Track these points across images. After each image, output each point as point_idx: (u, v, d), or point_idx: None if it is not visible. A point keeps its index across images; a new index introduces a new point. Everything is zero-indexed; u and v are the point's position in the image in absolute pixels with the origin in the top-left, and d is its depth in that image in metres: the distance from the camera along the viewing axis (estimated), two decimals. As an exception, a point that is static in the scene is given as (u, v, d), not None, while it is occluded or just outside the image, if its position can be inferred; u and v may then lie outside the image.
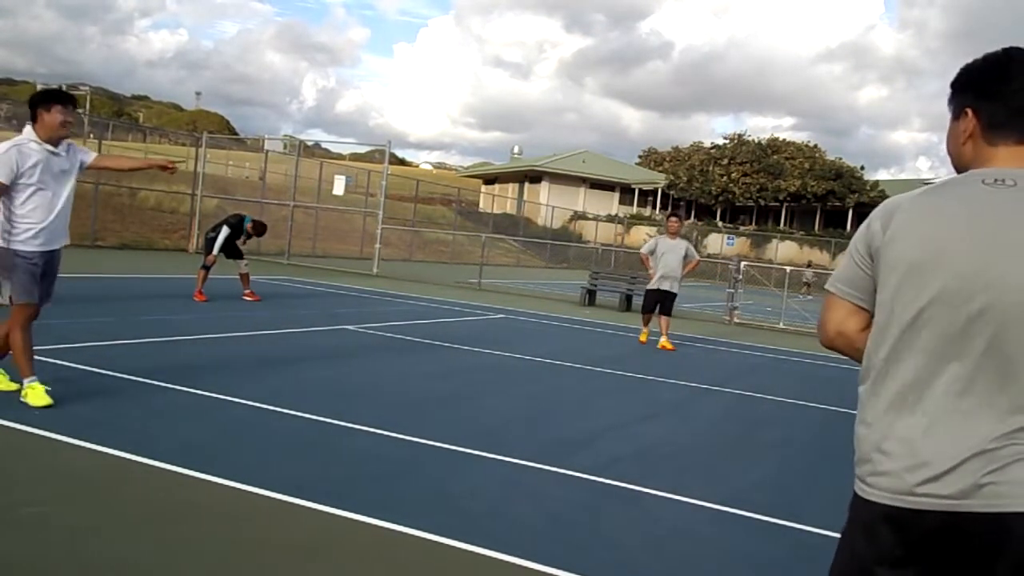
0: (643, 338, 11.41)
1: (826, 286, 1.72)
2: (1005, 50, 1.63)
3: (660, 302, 11.10)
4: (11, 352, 4.87)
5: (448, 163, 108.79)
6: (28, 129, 4.73)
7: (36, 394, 4.75)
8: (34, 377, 4.82)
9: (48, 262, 4.90)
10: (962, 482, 1.44)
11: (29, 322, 4.84)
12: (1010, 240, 1.46)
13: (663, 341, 11.06)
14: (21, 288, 4.76)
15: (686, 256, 11.11)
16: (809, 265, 34.74)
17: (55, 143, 4.78)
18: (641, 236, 43.01)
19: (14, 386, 4.92)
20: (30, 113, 4.76)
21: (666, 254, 10.98)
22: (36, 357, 6.07)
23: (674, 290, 11.11)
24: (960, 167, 1.66)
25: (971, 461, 1.44)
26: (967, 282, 1.46)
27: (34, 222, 4.74)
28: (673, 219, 11.56)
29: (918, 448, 1.48)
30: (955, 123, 1.67)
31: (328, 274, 18.30)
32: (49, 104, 4.70)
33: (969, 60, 1.70)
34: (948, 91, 1.71)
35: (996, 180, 1.52)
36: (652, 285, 11.15)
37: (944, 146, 1.75)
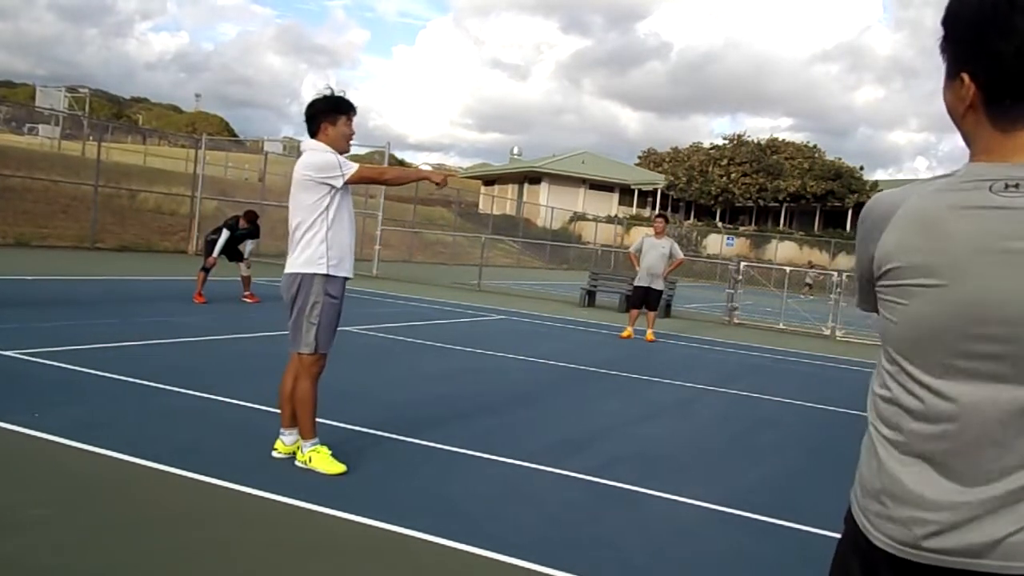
0: (626, 334, 11.88)
1: (857, 307, 1.54)
2: None
3: (645, 298, 11.81)
4: (296, 407, 4.23)
5: (447, 164, 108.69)
6: (316, 143, 4.19)
7: (324, 459, 4.14)
8: (317, 440, 4.21)
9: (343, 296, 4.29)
10: (978, 538, 1.25)
11: (319, 376, 4.27)
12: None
13: (648, 334, 11.82)
14: (327, 333, 4.18)
15: (670, 255, 11.84)
16: (810, 265, 34.75)
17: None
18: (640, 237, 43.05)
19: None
20: (310, 126, 4.22)
21: (648, 252, 11.76)
22: (43, 361, 6.10)
23: (656, 287, 11.80)
24: (962, 135, 1.33)
25: (989, 516, 1.24)
26: (973, 319, 1.23)
27: (345, 244, 4.19)
28: (659, 220, 12.36)
29: (928, 498, 1.29)
30: (948, 83, 1.29)
31: (328, 275, 18.24)
32: (335, 116, 4.18)
33: None
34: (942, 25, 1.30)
35: (1008, 185, 1.21)
36: (637, 281, 11.96)
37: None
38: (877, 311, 1.42)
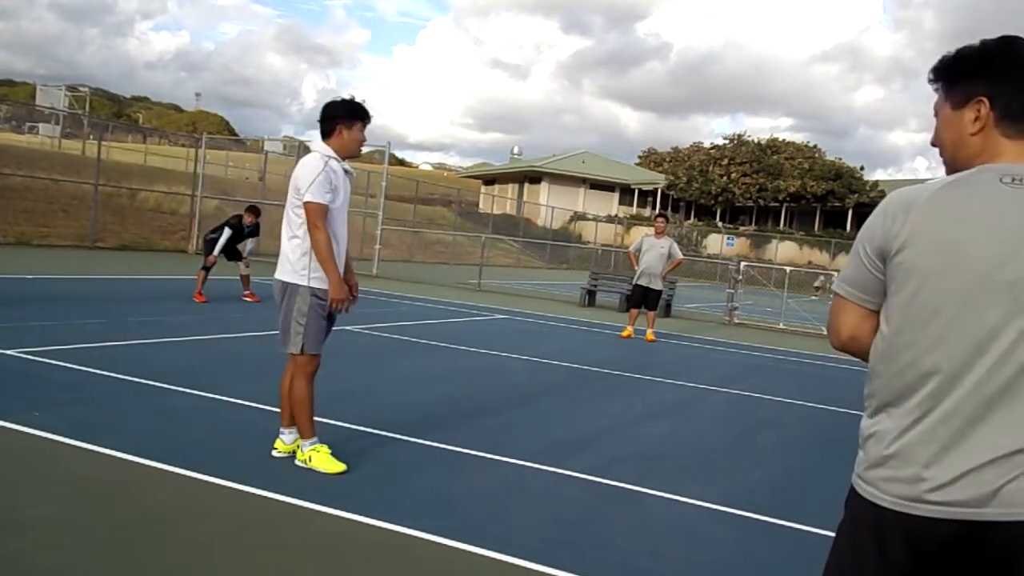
0: (626, 333, 11.85)
1: (833, 287, 1.64)
2: (1014, 37, 1.56)
3: (644, 298, 11.79)
4: (292, 407, 4.26)
5: (448, 164, 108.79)
6: (323, 144, 4.23)
7: (324, 458, 4.15)
8: (316, 439, 4.23)
9: None
10: (977, 489, 1.41)
11: (314, 375, 4.29)
12: None
13: (648, 334, 11.77)
14: (315, 335, 4.20)
15: (669, 255, 11.77)
16: (809, 265, 34.74)
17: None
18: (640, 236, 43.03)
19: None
20: (324, 126, 4.23)
21: (648, 252, 11.71)
22: (44, 360, 6.09)
23: (654, 286, 11.73)
24: (959, 160, 1.58)
25: (987, 468, 1.41)
26: (989, 287, 1.42)
27: (335, 253, 4.17)
28: (659, 220, 12.29)
29: (933, 455, 1.44)
30: (957, 113, 1.58)
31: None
32: (352, 121, 4.21)
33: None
34: (936, 76, 1.64)
35: (1015, 179, 1.46)
36: (636, 280, 11.93)
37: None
38: (858, 292, 1.58)
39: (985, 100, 1.53)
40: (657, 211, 33.81)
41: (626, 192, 51.27)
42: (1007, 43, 1.55)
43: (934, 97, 1.66)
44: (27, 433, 4.27)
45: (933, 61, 1.65)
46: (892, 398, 1.51)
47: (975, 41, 1.60)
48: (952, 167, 1.59)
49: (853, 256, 1.59)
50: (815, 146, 48.86)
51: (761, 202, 47.06)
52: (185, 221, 21.84)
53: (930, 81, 1.65)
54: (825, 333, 13.85)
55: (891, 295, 1.52)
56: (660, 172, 51.10)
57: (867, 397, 1.58)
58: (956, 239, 1.44)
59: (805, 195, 45.09)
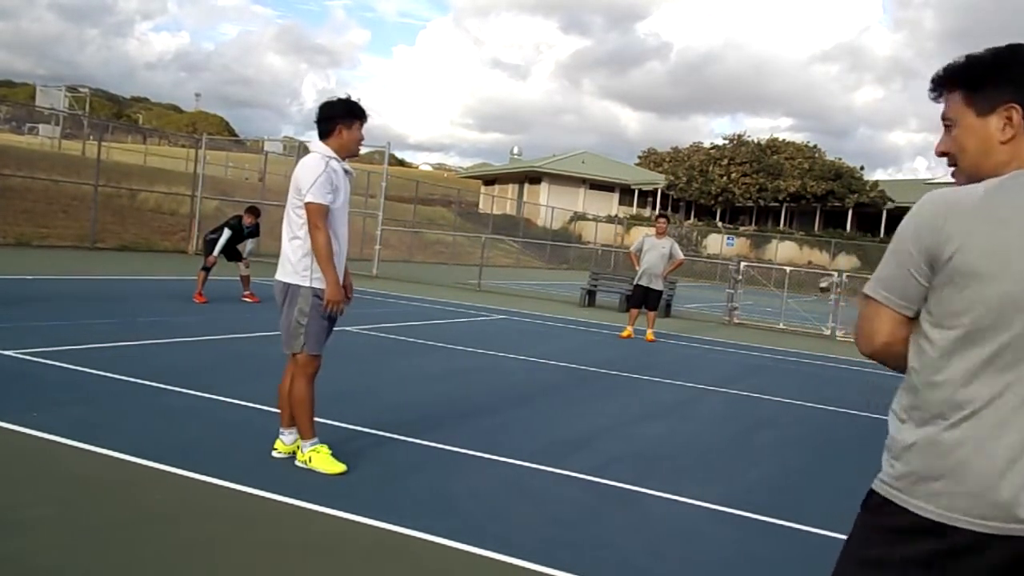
0: (626, 334, 11.86)
1: (866, 291, 1.57)
2: (1020, 44, 1.54)
3: (645, 298, 11.81)
4: (293, 408, 4.25)
5: (448, 164, 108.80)
6: (322, 144, 4.22)
7: (324, 459, 4.16)
8: (316, 439, 4.23)
9: None
10: None
11: (315, 376, 4.29)
12: None
13: (648, 334, 11.79)
14: (317, 336, 4.20)
15: (670, 255, 11.78)
16: (810, 264, 34.72)
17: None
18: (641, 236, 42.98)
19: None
20: (323, 126, 4.22)
21: (649, 252, 11.72)
22: (43, 361, 6.10)
23: (655, 287, 11.73)
24: (985, 167, 1.54)
25: None
26: None
27: (336, 252, 4.15)
28: (661, 220, 12.29)
29: (1000, 469, 1.40)
30: (982, 120, 1.54)
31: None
32: (351, 120, 4.21)
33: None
34: (946, 83, 1.60)
35: None
36: (636, 280, 11.94)
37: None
38: (897, 297, 1.51)
39: (1017, 107, 1.50)
40: (657, 211, 33.92)
41: (626, 192, 51.26)
42: (1018, 50, 1.53)
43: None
44: (26, 434, 4.27)
45: (933, 61, 1.69)
46: (945, 409, 1.45)
47: (980, 49, 1.57)
48: (975, 175, 1.54)
49: (892, 259, 1.53)
50: (815, 146, 48.81)
51: (761, 202, 47.02)
52: (185, 222, 21.84)
53: (934, 88, 1.61)
54: (825, 333, 13.84)
55: (941, 302, 1.47)
56: (660, 172, 51.07)
57: (908, 408, 1.52)
58: (1005, 246, 1.41)
59: (805, 195, 45.05)
